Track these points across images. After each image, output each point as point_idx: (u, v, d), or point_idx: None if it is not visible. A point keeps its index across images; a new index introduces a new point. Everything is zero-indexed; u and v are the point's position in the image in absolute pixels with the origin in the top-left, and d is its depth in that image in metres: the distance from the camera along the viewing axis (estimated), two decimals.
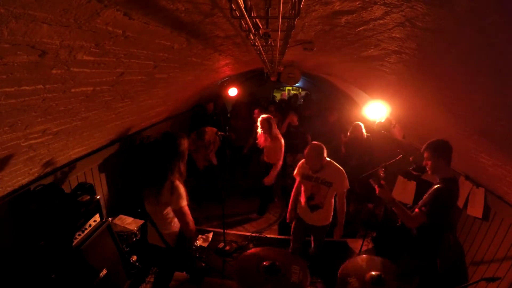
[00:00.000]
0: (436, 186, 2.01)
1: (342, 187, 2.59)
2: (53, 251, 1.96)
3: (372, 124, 4.20)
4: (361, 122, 4.27)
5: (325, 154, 2.54)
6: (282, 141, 3.80)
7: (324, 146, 2.55)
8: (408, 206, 2.13)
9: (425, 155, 2.10)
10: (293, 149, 4.70)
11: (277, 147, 3.80)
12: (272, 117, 3.85)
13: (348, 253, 3.49)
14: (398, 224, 2.33)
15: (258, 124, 3.85)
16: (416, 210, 1.97)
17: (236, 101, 6.50)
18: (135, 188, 3.38)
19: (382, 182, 2.11)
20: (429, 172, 2.11)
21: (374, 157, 4.01)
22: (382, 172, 3.14)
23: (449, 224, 2.23)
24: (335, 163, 2.62)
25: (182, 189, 1.91)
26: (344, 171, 2.59)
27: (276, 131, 3.83)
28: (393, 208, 2.07)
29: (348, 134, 4.26)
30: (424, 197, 2.09)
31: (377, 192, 2.12)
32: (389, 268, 2.03)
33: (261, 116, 3.87)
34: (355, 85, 4.37)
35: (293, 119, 4.66)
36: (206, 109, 5.27)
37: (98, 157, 2.89)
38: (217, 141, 3.78)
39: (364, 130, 4.13)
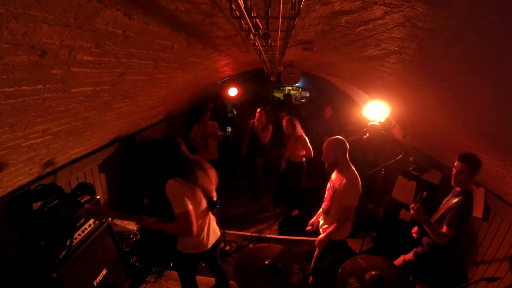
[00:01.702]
0: (458, 199, 2.02)
1: (343, 200, 2.21)
2: (53, 252, 1.96)
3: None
4: (360, 122, 4.28)
5: (341, 151, 2.24)
6: (306, 139, 4.01)
7: (342, 142, 2.25)
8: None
9: (460, 167, 2.02)
10: (278, 145, 5.12)
11: (301, 145, 4.02)
12: (295, 118, 4.08)
13: (348, 253, 3.49)
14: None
15: (284, 125, 4.07)
16: (445, 227, 1.98)
17: (240, 101, 6.57)
18: (135, 188, 3.40)
19: (418, 200, 2.04)
20: (454, 184, 2.08)
21: (378, 156, 4.00)
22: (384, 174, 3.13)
23: None
24: (353, 170, 2.25)
25: (176, 193, 1.79)
26: (357, 184, 2.19)
27: (300, 130, 4.03)
28: (424, 226, 2.03)
29: (365, 136, 4.15)
30: (443, 207, 2.11)
31: (412, 211, 2.03)
32: (389, 267, 2.03)
33: (285, 117, 4.15)
34: (355, 85, 4.37)
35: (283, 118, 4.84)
36: (206, 108, 5.32)
37: (98, 157, 2.89)
38: (219, 135, 3.78)
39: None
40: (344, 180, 2.21)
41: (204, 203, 1.97)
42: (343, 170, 2.27)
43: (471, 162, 1.99)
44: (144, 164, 3.35)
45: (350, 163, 2.29)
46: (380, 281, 1.86)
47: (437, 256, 2.19)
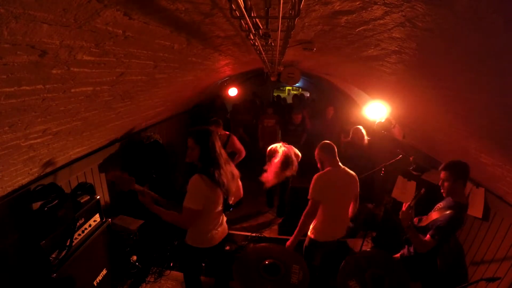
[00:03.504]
0: (449, 213, 1.97)
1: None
2: (53, 252, 1.96)
3: (372, 124, 4.20)
4: (362, 122, 4.27)
5: (326, 154, 2.43)
6: None
7: (326, 146, 2.45)
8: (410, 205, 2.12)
9: (443, 175, 2.02)
10: None
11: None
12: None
13: (348, 253, 3.49)
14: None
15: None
16: (428, 236, 1.95)
17: (236, 102, 6.63)
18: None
19: (412, 205, 2.05)
20: (444, 194, 2.05)
21: (372, 161, 4.01)
22: (383, 171, 3.14)
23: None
24: (337, 170, 2.41)
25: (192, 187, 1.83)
26: (316, 179, 2.36)
27: None
28: (407, 233, 2.03)
29: (350, 137, 4.24)
30: (434, 214, 2.08)
31: (400, 212, 2.06)
32: (388, 261, 2.03)
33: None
34: (355, 85, 4.37)
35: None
36: (215, 103, 5.40)
37: (98, 157, 2.89)
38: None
39: (365, 134, 4.12)
40: None
41: (221, 204, 2.03)
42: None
43: (453, 169, 1.97)
44: (144, 164, 3.35)
45: (339, 164, 2.42)
46: (380, 280, 1.86)
47: (421, 261, 2.16)
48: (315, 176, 2.37)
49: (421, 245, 1.96)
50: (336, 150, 2.44)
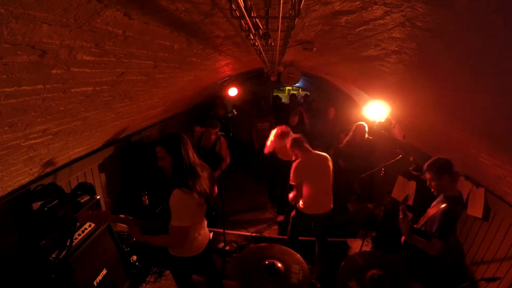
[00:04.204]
0: (442, 208, 1.97)
1: None
2: (53, 252, 1.96)
3: (372, 124, 4.21)
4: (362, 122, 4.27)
5: (296, 146, 2.89)
6: None
7: (293, 139, 2.94)
8: (409, 205, 2.13)
9: (428, 176, 2.04)
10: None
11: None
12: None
13: (348, 253, 3.49)
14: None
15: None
16: (433, 239, 1.94)
17: (239, 102, 6.67)
18: (135, 188, 3.40)
19: (408, 213, 2.09)
20: (435, 193, 2.07)
21: (375, 158, 4.01)
22: (383, 171, 3.14)
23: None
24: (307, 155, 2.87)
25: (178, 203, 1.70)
26: (295, 167, 2.78)
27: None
28: (412, 243, 2.03)
29: (350, 134, 4.25)
30: (429, 212, 2.08)
31: (399, 221, 2.11)
32: (388, 262, 2.02)
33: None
34: (355, 85, 4.37)
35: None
36: (217, 114, 5.41)
37: (98, 157, 2.89)
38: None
39: (367, 131, 4.12)
40: None
41: (205, 211, 1.97)
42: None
43: (434, 167, 1.98)
44: (144, 164, 3.35)
45: (310, 149, 2.87)
46: (380, 280, 1.86)
47: (421, 261, 2.14)
48: (293, 164, 2.80)
49: (428, 248, 1.95)
50: (304, 140, 2.91)
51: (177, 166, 1.75)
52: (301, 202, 2.90)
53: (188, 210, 1.73)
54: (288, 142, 2.98)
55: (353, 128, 4.19)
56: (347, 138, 4.42)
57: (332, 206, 2.95)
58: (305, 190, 2.80)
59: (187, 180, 1.72)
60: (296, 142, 2.88)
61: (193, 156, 1.82)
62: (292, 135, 3.68)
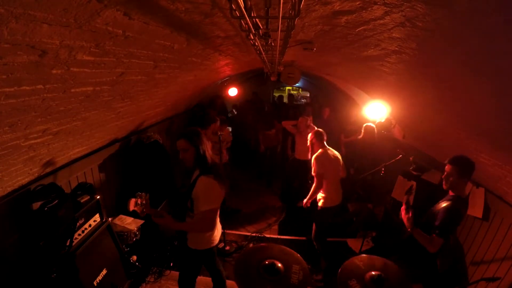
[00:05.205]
0: (446, 205, 1.94)
1: None
2: (53, 251, 1.96)
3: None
4: (362, 122, 4.28)
5: (317, 141, 3.12)
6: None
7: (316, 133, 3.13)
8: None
9: (448, 169, 1.97)
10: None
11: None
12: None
13: (348, 253, 3.49)
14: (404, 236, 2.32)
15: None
16: (433, 235, 1.91)
17: (240, 101, 6.69)
18: (135, 188, 3.39)
19: (408, 200, 2.06)
20: (445, 187, 2.00)
21: (376, 160, 4.02)
22: (383, 171, 3.15)
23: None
24: (322, 151, 3.06)
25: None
26: (316, 159, 2.99)
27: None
28: (414, 235, 2.00)
29: (361, 136, 4.30)
30: (432, 210, 2.07)
31: (402, 214, 2.07)
32: (388, 267, 2.02)
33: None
34: (355, 85, 4.37)
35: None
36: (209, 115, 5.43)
37: (98, 157, 2.89)
38: (227, 137, 3.81)
39: (376, 133, 4.15)
40: None
41: (222, 200, 2.06)
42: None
43: (460, 165, 1.92)
44: (145, 164, 3.35)
45: (326, 146, 3.09)
46: (380, 280, 1.86)
47: (421, 261, 2.15)
48: (314, 157, 3.03)
49: (429, 244, 1.92)
50: (325, 137, 3.11)
51: (200, 156, 1.92)
52: (321, 201, 3.04)
53: (215, 194, 1.89)
54: (311, 133, 3.16)
55: (362, 129, 4.24)
56: (352, 138, 4.50)
57: (341, 199, 3.17)
58: (325, 185, 2.99)
59: (210, 168, 1.91)
60: (320, 135, 3.09)
61: (209, 148, 2.01)
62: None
